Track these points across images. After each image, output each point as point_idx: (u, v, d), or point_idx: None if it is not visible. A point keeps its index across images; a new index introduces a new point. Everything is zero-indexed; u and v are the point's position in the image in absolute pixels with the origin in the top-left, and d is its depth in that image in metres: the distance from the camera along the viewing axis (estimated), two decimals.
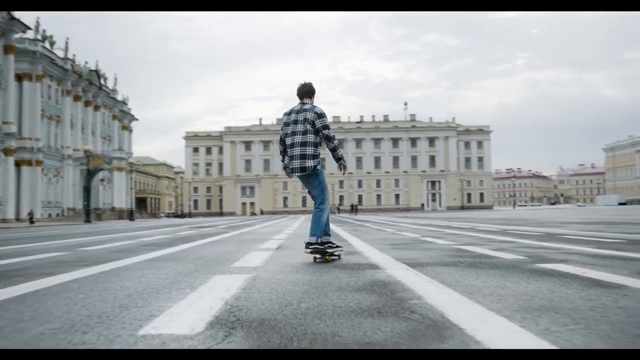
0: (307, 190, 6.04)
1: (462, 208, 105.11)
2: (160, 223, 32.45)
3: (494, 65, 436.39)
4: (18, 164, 55.14)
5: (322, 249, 5.72)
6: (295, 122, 5.77)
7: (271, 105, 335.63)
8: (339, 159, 5.93)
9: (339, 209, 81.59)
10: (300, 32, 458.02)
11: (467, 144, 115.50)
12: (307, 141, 5.67)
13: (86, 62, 72.39)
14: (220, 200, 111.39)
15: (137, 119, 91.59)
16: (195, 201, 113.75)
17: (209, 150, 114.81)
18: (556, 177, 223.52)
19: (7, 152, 50.93)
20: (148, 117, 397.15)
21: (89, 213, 48.59)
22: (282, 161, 6.02)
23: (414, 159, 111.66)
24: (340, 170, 6.02)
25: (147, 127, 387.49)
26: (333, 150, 5.82)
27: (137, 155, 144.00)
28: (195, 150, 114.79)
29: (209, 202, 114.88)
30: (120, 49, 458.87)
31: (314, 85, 6.02)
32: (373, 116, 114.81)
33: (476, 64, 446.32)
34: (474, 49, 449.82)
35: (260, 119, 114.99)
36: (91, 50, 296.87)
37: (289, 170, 5.87)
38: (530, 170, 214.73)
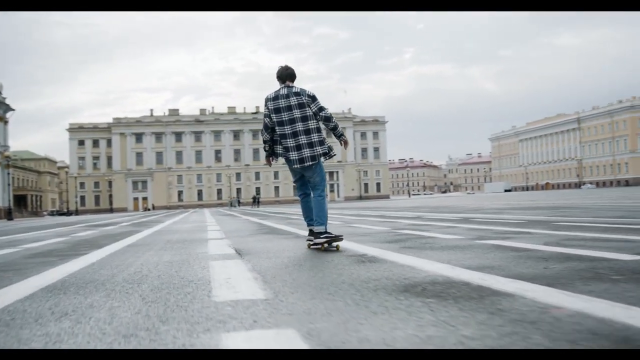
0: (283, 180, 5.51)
1: (360, 198, 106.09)
2: (45, 222, 28.79)
3: (383, 59, 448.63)
4: None
5: (334, 236, 5.43)
6: (289, 107, 5.50)
7: (161, 97, 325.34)
8: (340, 136, 5.78)
9: (239, 201, 79.03)
10: (190, 23, 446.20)
11: (363, 135, 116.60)
12: (310, 128, 5.47)
13: None
14: (110, 196, 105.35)
15: (13, 109, 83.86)
16: (82, 197, 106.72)
17: (96, 143, 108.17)
18: (445, 166, 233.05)
19: None
20: (24, 109, 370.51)
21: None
22: (266, 150, 5.79)
23: None
24: (342, 145, 5.74)
25: (25, 120, 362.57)
26: (334, 129, 5.69)
27: (14, 150, 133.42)
28: (81, 143, 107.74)
29: (97, 198, 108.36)
30: None
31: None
32: (257, 107, 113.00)
33: (366, 58, 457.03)
34: (364, 42, 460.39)
35: (152, 110, 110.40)
36: None
37: (293, 159, 5.51)
38: (421, 160, 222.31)
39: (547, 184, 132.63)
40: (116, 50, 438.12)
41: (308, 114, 5.48)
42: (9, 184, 56.36)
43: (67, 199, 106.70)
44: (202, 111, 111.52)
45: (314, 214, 5.59)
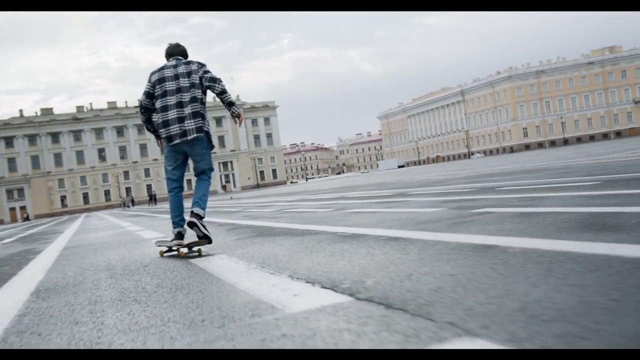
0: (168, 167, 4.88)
1: (257, 186, 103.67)
2: None
3: (261, 46, 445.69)
4: None
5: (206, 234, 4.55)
6: (176, 76, 4.68)
7: (29, 98, 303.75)
8: (231, 104, 4.71)
9: (132, 201, 73.88)
10: (50, 18, 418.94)
11: (254, 121, 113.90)
12: (197, 97, 4.65)
13: None
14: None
15: None
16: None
17: None
18: (337, 148, 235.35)
19: None
20: None
21: None
22: (151, 131, 4.93)
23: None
24: (235, 118, 4.77)
25: None
26: (222, 94, 4.69)
27: None
28: None
29: None
30: None
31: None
32: None
33: (244, 46, 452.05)
34: (241, 31, 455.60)
35: (21, 111, 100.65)
36: None
37: (175, 134, 4.57)
38: (313, 144, 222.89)
39: (437, 156, 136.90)
40: None
41: (196, 81, 4.68)
42: None
43: None
44: (80, 108, 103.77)
45: (202, 196, 4.79)
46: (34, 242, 10.47)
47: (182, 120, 4.58)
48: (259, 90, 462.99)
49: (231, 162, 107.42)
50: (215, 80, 4.68)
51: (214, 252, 4.31)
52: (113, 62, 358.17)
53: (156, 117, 4.73)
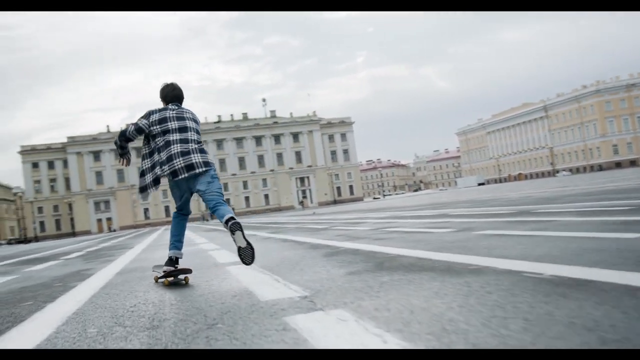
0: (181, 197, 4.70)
1: (334, 202, 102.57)
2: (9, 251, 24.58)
3: (336, 63, 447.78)
4: None
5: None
6: (182, 118, 4.63)
7: (117, 116, 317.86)
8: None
9: (211, 215, 74.22)
10: (135, 39, 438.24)
11: (331, 137, 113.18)
12: (199, 140, 4.64)
13: None
14: (72, 219, 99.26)
15: None
16: (42, 223, 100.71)
17: (51, 165, 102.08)
18: (413, 164, 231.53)
19: None
20: None
21: None
22: (122, 147, 4.86)
23: (279, 156, 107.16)
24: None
25: None
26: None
27: None
28: (35, 165, 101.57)
29: (57, 222, 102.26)
30: None
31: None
32: (232, 115, 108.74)
33: (320, 63, 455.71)
34: (317, 48, 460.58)
35: (108, 126, 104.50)
36: None
37: (179, 168, 4.34)
38: (389, 160, 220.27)
39: (519, 174, 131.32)
40: (64, 72, 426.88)
41: (197, 127, 4.72)
42: None
43: (25, 226, 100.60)
44: None
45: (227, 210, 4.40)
46: (95, 259, 9.17)
47: (186, 154, 4.42)
48: (335, 107, 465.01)
49: (308, 177, 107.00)
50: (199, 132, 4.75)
51: (322, 300, 2.69)
52: (194, 81, 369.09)
53: (158, 157, 4.49)
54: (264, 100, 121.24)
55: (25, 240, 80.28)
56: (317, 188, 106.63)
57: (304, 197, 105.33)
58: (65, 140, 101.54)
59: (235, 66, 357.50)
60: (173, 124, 4.54)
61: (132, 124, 4.67)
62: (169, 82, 4.92)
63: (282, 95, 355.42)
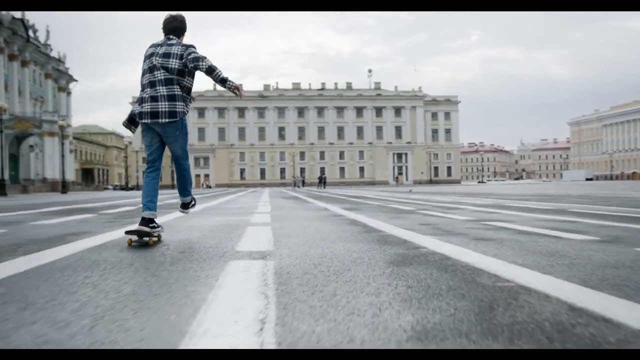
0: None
1: (430, 182, 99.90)
2: (93, 196, 25.32)
3: (448, 41, 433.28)
4: None
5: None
6: (152, 54, 4.43)
7: (226, 76, 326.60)
8: (223, 80, 4.43)
9: (303, 182, 74.72)
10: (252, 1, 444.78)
11: (434, 115, 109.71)
12: (172, 78, 4.34)
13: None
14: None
15: (76, 80, 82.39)
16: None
17: None
18: (517, 152, 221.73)
19: None
20: (96, 87, 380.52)
21: (4, 185, 40.59)
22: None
23: (379, 129, 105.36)
24: (233, 91, 4.53)
25: (94, 97, 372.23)
26: (210, 72, 4.35)
27: (84, 124, 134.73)
28: None
29: None
30: (63, 15, 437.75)
31: (185, 23, 4.68)
32: (335, 83, 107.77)
33: (431, 40, 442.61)
34: (429, 25, 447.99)
35: (214, 84, 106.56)
36: (35, 16, 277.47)
37: (145, 112, 4.30)
38: (492, 145, 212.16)
39: (634, 173, 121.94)
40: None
41: (172, 65, 4.33)
42: (62, 155, 54.14)
43: (129, 174, 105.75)
44: (266, 87, 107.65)
45: (181, 186, 4.82)
46: (121, 219, 8.36)
47: (155, 100, 4.32)
48: (440, 86, 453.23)
49: (406, 154, 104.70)
50: (198, 59, 4.34)
51: None
52: (303, 47, 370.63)
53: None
54: (369, 70, 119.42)
55: (126, 187, 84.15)
56: (413, 166, 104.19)
57: (400, 173, 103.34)
58: None
59: (345, 36, 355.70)
60: (146, 63, 4.44)
61: None
62: (172, 14, 4.67)
63: (388, 69, 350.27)
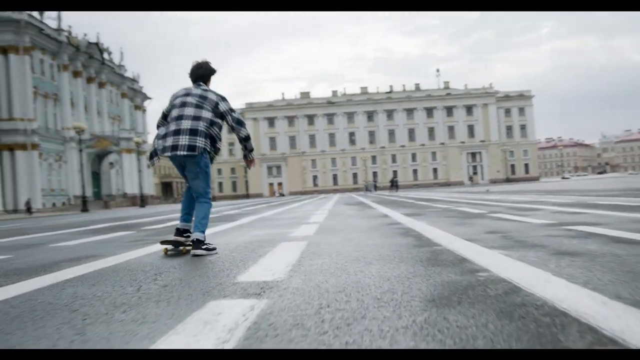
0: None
1: (507, 180, 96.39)
2: (163, 209, 25.63)
3: (517, 36, 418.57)
4: (11, 148, 49.14)
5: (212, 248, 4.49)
6: (187, 94, 4.57)
7: (296, 85, 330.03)
8: (250, 151, 4.93)
9: (375, 186, 73.80)
10: (313, 12, 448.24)
11: (507, 111, 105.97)
12: (201, 116, 4.44)
13: (85, 35, 65.48)
14: (246, 182, 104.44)
15: (149, 98, 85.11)
16: (220, 183, 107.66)
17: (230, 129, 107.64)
18: (599, 144, 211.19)
19: None
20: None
21: (86, 202, 42.15)
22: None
23: (450, 129, 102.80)
24: (247, 164, 4.99)
25: None
26: (246, 140, 4.81)
27: None
28: None
29: (234, 184, 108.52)
30: (134, 34, 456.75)
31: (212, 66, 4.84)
32: (403, 85, 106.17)
33: (499, 36, 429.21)
34: (496, 20, 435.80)
35: (283, 94, 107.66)
36: (106, 37, 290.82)
37: (167, 146, 4.39)
38: (571, 139, 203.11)
39: None
40: (250, 44, 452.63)
41: (205, 106, 4.48)
42: (139, 170, 55.73)
43: None
44: (334, 93, 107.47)
45: (199, 217, 4.51)
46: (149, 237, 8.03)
47: (177, 134, 4.39)
48: (511, 82, 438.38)
49: (480, 153, 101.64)
50: (241, 123, 4.69)
51: None
52: (369, 52, 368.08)
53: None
54: (437, 70, 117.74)
55: None
56: (489, 164, 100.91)
57: (474, 173, 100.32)
58: (243, 106, 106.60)
59: (411, 38, 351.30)
60: (177, 101, 4.56)
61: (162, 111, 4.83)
62: (199, 60, 4.81)
63: (456, 68, 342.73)
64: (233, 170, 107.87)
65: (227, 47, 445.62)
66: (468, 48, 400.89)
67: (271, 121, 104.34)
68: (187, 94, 4.56)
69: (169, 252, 4.48)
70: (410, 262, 3.05)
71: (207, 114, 4.44)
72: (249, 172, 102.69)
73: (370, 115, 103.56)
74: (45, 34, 54.56)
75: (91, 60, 64.68)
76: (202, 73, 4.72)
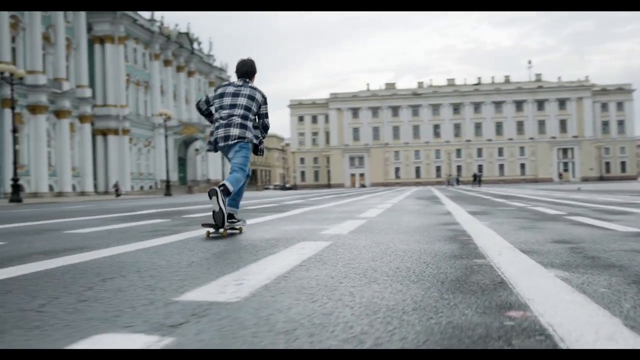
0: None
1: (601, 179, 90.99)
2: (252, 194, 25.75)
3: (619, 26, 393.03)
4: (104, 133, 51.31)
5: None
6: (237, 94, 5.05)
7: (382, 77, 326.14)
8: (261, 142, 5.21)
9: (457, 180, 71.68)
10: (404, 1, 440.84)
11: (604, 106, 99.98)
12: (248, 116, 5.01)
13: (176, 25, 67.29)
14: (328, 172, 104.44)
15: None
16: (302, 172, 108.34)
17: (314, 119, 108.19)
18: None
19: (82, 118, 46.49)
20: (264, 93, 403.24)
21: (169, 186, 43.30)
22: (204, 112, 5.28)
23: (541, 123, 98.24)
24: (259, 150, 5.20)
25: None
26: (265, 129, 5.28)
27: None
28: (301, 119, 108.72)
29: (316, 173, 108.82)
30: (227, 25, 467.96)
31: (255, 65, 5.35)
32: (492, 77, 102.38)
33: (599, 26, 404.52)
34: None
35: (368, 85, 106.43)
36: (199, 29, 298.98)
37: (219, 137, 4.92)
38: None
39: None
40: (337, 35, 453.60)
41: (254, 107, 5.06)
42: (222, 158, 56.90)
43: (288, 174, 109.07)
44: (420, 84, 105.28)
45: (230, 177, 4.90)
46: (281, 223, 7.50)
47: (228, 126, 4.91)
48: (612, 75, 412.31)
49: (572, 149, 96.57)
50: (266, 129, 5.24)
51: None
52: (459, 44, 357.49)
53: (214, 126, 5.04)
54: (529, 62, 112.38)
55: (283, 187, 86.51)
56: (581, 161, 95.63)
57: (565, 170, 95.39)
58: (328, 96, 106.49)
59: (504, 29, 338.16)
60: (227, 100, 5.01)
61: (206, 95, 5.34)
62: (244, 58, 5.29)
63: (551, 61, 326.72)
64: (315, 159, 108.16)
65: (313, 39, 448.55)
66: (564, 39, 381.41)
67: (355, 112, 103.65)
68: (237, 92, 5.05)
69: (210, 235, 4.69)
70: (428, 282, 2.30)
71: (252, 113, 5.02)
72: (331, 163, 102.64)
73: (456, 108, 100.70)
74: (138, 24, 56.42)
75: (181, 50, 66.40)
76: (246, 70, 5.22)
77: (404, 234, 4.66)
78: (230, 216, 4.86)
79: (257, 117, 5.13)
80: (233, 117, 4.89)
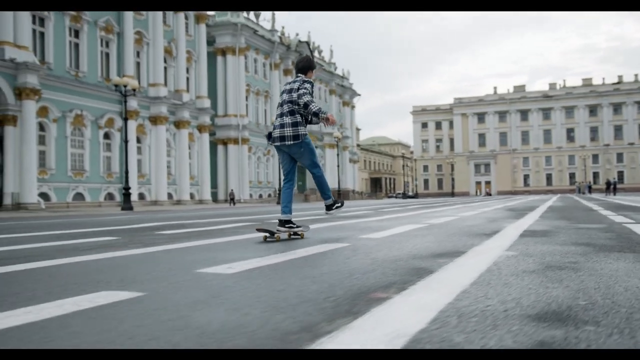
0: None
1: None
2: (348, 203, 25.19)
3: None
4: (225, 143, 53.13)
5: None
6: (283, 92, 5.52)
7: (515, 80, 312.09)
8: (316, 114, 5.29)
9: (589, 187, 66.31)
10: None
11: None
12: (294, 110, 5.32)
13: (296, 34, 68.24)
14: (452, 179, 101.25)
15: (359, 94, 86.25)
16: (426, 180, 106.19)
17: (438, 125, 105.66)
18: None
19: (201, 128, 48.31)
20: (389, 100, 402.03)
21: (279, 194, 43.73)
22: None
23: None
24: (324, 122, 5.37)
25: (389, 111, 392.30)
26: (305, 107, 5.26)
27: (373, 136, 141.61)
28: (424, 125, 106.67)
29: (440, 181, 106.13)
30: (349, 33, 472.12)
31: (313, 61, 5.69)
32: (635, 75, 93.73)
33: None
34: None
35: (495, 88, 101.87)
36: (322, 42, 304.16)
37: (275, 137, 5.37)
38: None
39: None
40: (468, 39, 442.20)
41: (294, 97, 5.32)
42: (338, 165, 56.50)
43: (410, 182, 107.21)
44: (552, 85, 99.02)
45: (320, 191, 5.49)
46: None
47: (282, 127, 5.28)
48: None
49: None
50: (301, 96, 5.21)
51: None
52: (602, 42, 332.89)
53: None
54: None
55: (403, 195, 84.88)
56: None
57: None
58: (452, 101, 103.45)
59: None
60: (281, 98, 5.46)
61: None
62: (302, 54, 5.03)
63: None
64: (439, 167, 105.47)
65: (441, 45, 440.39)
66: None
67: (481, 117, 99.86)
68: (286, 89, 5.43)
69: (268, 239, 5.07)
70: None
71: (295, 103, 5.26)
72: (455, 171, 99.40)
73: (592, 110, 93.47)
74: (259, 35, 57.88)
75: None
76: (302, 66, 5.49)
77: (422, 260, 3.58)
78: (288, 222, 5.23)
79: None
80: (283, 117, 5.29)
